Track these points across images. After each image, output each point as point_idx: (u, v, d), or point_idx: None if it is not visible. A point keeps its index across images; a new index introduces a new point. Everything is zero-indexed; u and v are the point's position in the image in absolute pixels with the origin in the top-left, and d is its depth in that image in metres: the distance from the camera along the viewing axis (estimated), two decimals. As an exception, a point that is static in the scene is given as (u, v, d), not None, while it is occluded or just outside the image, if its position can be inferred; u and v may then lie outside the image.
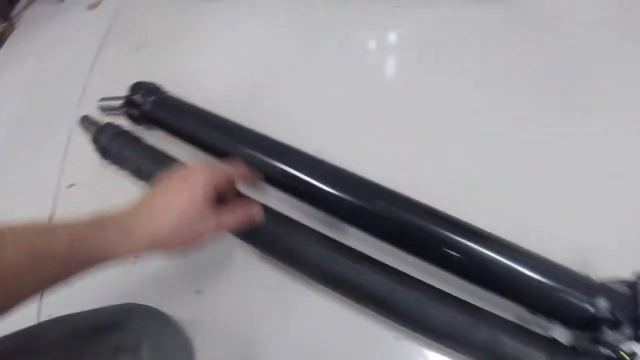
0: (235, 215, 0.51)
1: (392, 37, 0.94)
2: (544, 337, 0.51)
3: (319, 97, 0.84)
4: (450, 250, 0.53)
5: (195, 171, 0.48)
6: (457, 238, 0.53)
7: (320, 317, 0.60)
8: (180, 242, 0.45)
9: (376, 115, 0.80)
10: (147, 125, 0.80)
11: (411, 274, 0.56)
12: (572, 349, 0.51)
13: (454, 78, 0.83)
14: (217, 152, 0.69)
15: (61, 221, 0.41)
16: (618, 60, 0.82)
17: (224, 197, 0.53)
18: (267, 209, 0.60)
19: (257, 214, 0.54)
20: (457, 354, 0.53)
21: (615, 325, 0.51)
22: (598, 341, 0.51)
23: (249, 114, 0.74)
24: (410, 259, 0.57)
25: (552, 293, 0.51)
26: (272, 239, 0.60)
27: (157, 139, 0.79)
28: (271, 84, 0.88)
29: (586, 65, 0.82)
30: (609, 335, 0.50)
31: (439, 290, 0.54)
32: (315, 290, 0.62)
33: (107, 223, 0.43)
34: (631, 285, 0.52)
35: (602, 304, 0.50)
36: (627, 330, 0.50)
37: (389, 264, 0.57)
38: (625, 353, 0.49)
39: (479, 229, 0.55)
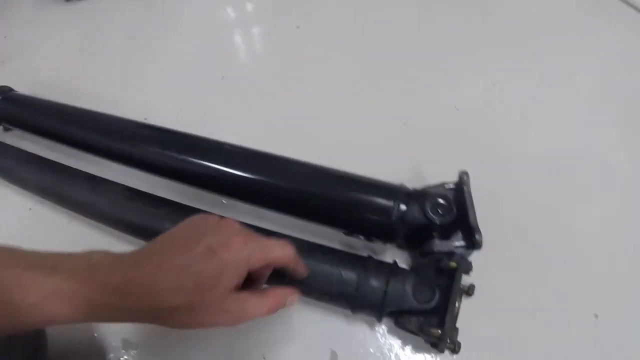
0: (266, 303, 0.36)
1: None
2: (359, 256, 0.44)
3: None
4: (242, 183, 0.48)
5: (231, 242, 0.34)
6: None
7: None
8: (187, 326, 0.34)
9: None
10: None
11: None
12: (390, 265, 0.44)
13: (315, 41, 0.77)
14: (78, 144, 0.62)
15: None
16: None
17: (254, 275, 0.38)
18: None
19: (291, 302, 0.39)
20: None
21: (444, 233, 0.44)
22: (427, 254, 0.44)
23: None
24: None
25: (355, 207, 0.44)
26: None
27: (14, 138, 0.72)
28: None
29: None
30: (438, 245, 0.44)
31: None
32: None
33: (95, 280, 0.32)
34: (456, 184, 0.45)
35: (413, 209, 0.43)
36: (459, 237, 0.44)
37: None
38: (455, 261, 0.43)
39: (271, 154, 0.49)
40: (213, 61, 0.75)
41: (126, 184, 0.56)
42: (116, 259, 0.34)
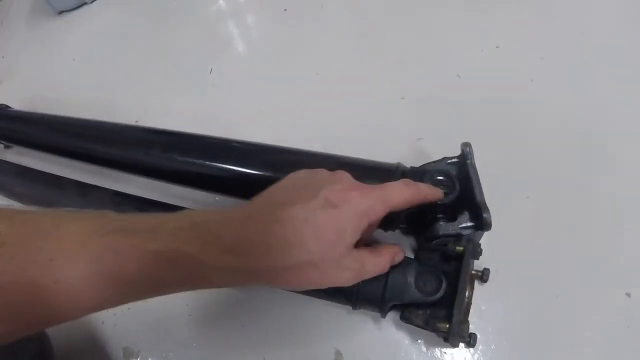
0: (381, 262, 0.35)
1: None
2: None
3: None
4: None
5: (350, 196, 0.31)
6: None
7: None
8: (304, 286, 0.32)
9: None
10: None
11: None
12: None
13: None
14: (73, 154, 0.60)
15: (124, 221, 0.29)
16: None
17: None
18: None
19: (399, 259, 0.38)
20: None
21: (449, 214, 0.40)
22: (432, 238, 0.40)
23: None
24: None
25: None
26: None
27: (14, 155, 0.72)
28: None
29: None
30: (443, 227, 0.39)
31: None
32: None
33: (204, 240, 0.29)
34: (458, 158, 0.41)
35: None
36: (466, 218, 0.39)
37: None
38: (462, 245, 0.38)
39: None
40: (202, 55, 0.73)
41: (123, 187, 0.55)
42: (222, 216, 0.30)
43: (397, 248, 0.37)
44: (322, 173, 0.34)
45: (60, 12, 0.90)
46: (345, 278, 0.32)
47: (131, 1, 0.87)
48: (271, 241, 0.29)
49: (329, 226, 0.30)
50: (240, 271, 0.29)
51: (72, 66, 0.82)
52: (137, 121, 0.61)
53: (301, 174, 0.34)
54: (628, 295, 0.42)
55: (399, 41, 0.63)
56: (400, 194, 0.34)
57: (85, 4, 0.90)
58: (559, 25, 0.59)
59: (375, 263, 0.34)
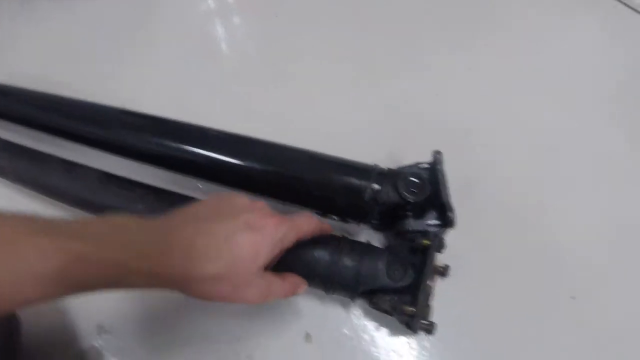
0: (285, 287, 0.38)
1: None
2: (333, 236, 0.44)
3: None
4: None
5: (267, 223, 0.35)
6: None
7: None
8: (214, 298, 0.33)
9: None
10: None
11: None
12: (364, 244, 0.44)
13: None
14: (57, 131, 0.60)
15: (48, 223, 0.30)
16: None
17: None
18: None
19: (301, 290, 0.40)
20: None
21: (418, 212, 0.44)
22: (402, 233, 0.44)
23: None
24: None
25: (329, 187, 0.44)
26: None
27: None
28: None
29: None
30: (412, 223, 0.44)
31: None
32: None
33: (124, 244, 0.31)
34: (430, 164, 0.45)
35: (386, 188, 0.43)
36: (433, 216, 0.44)
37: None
38: (428, 240, 0.42)
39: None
40: (191, 50, 0.74)
41: (106, 168, 0.55)
42: (146, 224, 0.32)
43: (301, 280, 0.40)
44: (244, 199, 0.37)
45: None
46: (253, 296, 0.34)
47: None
48: (192, 252, 0.31)
49: (246, 247, 0.32)
50: (157, 276, 0.30)
51: (61, 47, 0.82)
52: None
53: (224, 196, 0.37)
54: (573, 298, 0.47)
55: (384, 53, 0.68)
56: (309, 225, 0.40)
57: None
58: (527, 54, 0.66)
59: (281, 287, 0.37)
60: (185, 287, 0.32)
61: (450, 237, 0.44)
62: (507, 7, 0.72)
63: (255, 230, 0.33)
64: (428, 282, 0.41)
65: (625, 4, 0.72)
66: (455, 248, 0.46)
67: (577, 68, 0.65)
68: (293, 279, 0.39)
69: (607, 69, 0.66)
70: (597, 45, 0.69)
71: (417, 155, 0.46)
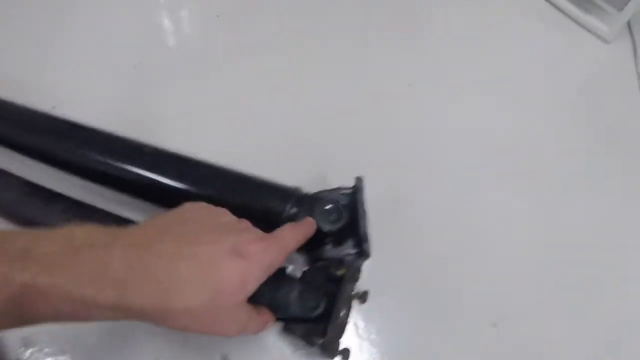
0: (259, 322, 0.36)
1: None
2: None
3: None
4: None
5: (255, 248, 0.31)
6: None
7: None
8: (194, 330, 0.29)
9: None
10: None
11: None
12: (280, 270, 0.44)
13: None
14: None
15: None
16: None
17: None
18: None
19: (270, 326, 0.39)
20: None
21: (336, 240, 0.44)
22: (318, 260, 0.44)
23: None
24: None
25: (248, 209, 0.43)
26: None
27: None
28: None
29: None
30: (328, 251, 0.43)
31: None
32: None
33: (81, 269, 0.25)
34: (351, 191, 0.45)
35: (303, 213, 0.42)
36: (351, 245, 0.43)
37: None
38: (344, 268, 0.42)
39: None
40: (127, 48, 0.71)
41: (31, 177, 0.54)
42: (110, 240, 0.27)
43: (271, 316, 0.39)
44: (229, 216, 0.34)
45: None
46: (232, 329, 0.32)
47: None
48: (172, 280, 0.27)
49: (235, 276, 0.29)
50: (127, 309, 0.26)
51: None
52: (54, 107, 0.59)
53: (204, 209, 0.34)
54: (494, 325, 0.47)
55: (323, 62, 0.66)
56: (295, 240, 0.37)
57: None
58: (467, 70, 0.65)
59: (259, 321, 0.35)
60: (160, 320, 0.27)
61: (372, 259, 0.43)
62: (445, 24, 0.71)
63: (244, 256, 0.30)
64: (342, 312, 0.41)
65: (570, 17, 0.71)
66: (376, 272, 0.46)
67: (515, 83, 0.64)
68: (267, 314, 0.37)
69: (555, 80, 0.65)
70: (545, 55, 0.68)
71: (348, 173, 0.46)
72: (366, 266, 0.46)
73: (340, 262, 0.43)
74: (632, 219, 0.55)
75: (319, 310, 0.41)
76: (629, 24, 0.70)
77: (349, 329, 0.45)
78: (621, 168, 0.58)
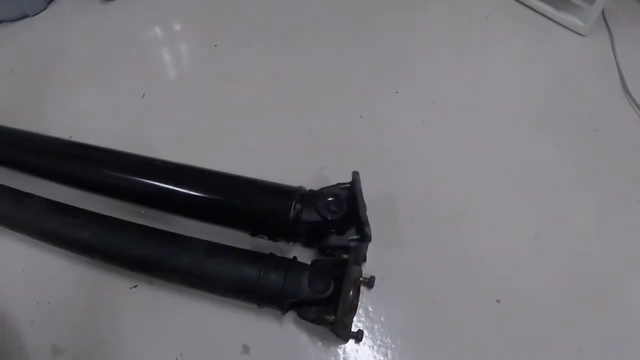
0: None
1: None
2: (261, 254, 0.47)
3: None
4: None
5: None
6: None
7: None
8: None
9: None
10: None
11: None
12: (289, 260, 0.48)
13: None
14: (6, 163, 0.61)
15: None
16: None
17: None
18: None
19: None
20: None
21: (339, 229, 0.47)
22: (325, 249, 0.47)
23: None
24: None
25: (255, 209, 0.48)
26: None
27: None
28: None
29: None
30: (333, 240, 0.47)
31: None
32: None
33: None
34: (349, 184, 0.48)
35: (308, 208, 0.46)
36: (353, 232, 0.47)
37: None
38: (345, 254, 0.45)
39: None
40: (135, 80, 0.77)
41: (53, 196, 0.57)
42: None
43: None
44: None
45: (1, 22, 0.91)
46: None
47: (72, 19, 0.90)
48: None
49: None
50: None
51: (10, 77, 0.83)
52: (71, 136, 0.64)
53: None
54: (498, 301, 0.50)
55: (314, 84, 0.72)
56: None
57: (27, 16, 0.90)
58: (450, 75, 0.71)
59: None
60: None
61: (376, 248, 0.47)
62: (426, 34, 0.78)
63: None
64: (350, 293, 0.44)
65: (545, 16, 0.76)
66: (381, 260, 0.49)
67: (496, 83, 0.70)
68: None
69: (537, 78, 0.70)
70: (525, 55, 0.74)
71: (343, 173, 0.50)
72: (371, 255, 0.50)
73: (345, 248, 0.46)
74: (619, 202, 0.59)
75: (329, 292, 0.45)
76: (604, 16, 0.74)
77: (360, 312, 0.48)
78: (606, 157, 0.62)
